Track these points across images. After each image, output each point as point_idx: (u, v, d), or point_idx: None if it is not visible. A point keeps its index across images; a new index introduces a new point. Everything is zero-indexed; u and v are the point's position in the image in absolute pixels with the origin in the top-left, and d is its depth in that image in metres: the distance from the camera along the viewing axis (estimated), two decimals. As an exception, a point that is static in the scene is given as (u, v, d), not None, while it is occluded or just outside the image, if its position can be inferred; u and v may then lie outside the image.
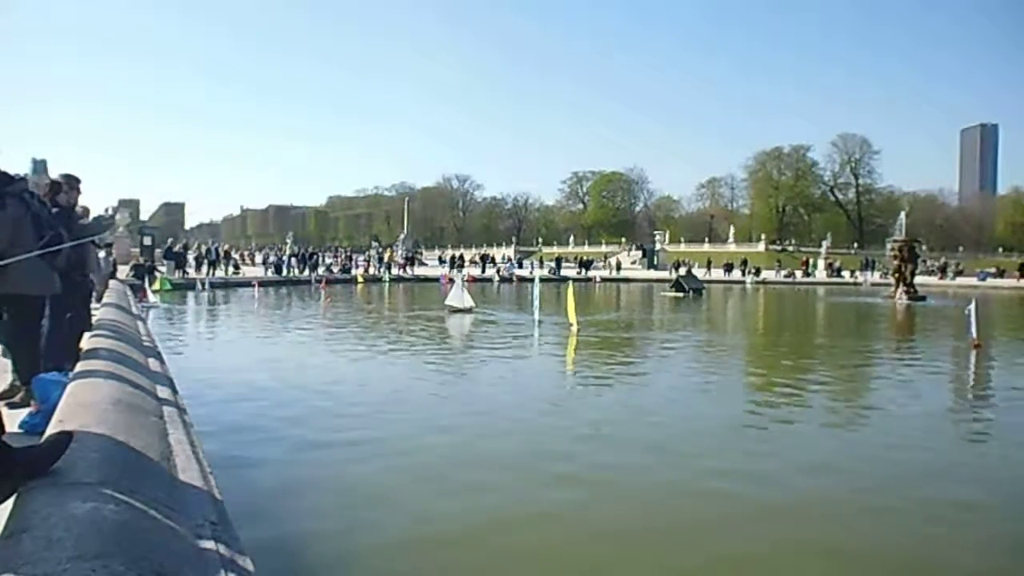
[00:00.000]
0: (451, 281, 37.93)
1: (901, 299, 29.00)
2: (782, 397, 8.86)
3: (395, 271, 43.51)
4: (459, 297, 19.64)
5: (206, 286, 26.61)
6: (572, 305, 15.43)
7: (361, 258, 48.11)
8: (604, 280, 45.18)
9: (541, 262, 63.79)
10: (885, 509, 4.75)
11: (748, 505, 4.81)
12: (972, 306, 13.48)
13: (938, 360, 12.86)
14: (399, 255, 49.32)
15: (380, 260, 45.05)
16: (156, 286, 24.05)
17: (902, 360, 12.69)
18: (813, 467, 5.74)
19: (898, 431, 6.97)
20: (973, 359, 12.20)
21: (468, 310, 19.15)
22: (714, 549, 4.20)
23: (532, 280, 20.41)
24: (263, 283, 29.78)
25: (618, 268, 53.96)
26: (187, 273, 31.64)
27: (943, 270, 53.01)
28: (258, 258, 43.84)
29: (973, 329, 13.10)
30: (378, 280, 37.65)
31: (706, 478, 5.37)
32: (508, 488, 5.10)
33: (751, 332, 18.46)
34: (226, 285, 29.74)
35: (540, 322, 15.69)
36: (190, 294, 25.74)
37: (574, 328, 14.74)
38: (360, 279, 36.37)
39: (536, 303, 16.39)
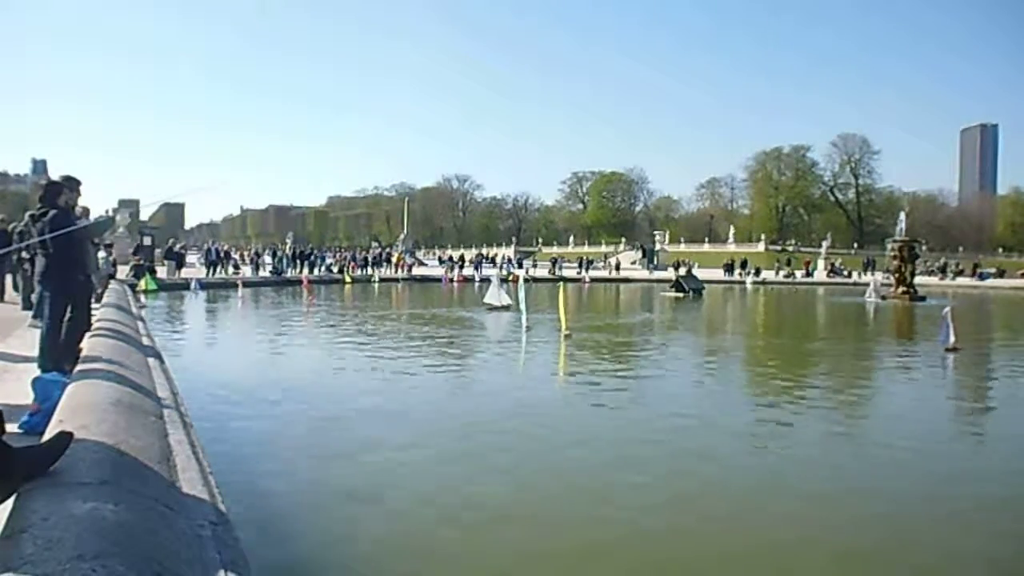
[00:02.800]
0: (452, 281, 38.36)
1: (871, 298, 29.30)
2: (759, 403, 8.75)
3: (403, 272, 43.49)
4: (496, 295, 20.11)
5: (196, 287, 26.32)
6: (563, 308, 14.57)
7: (357, 257, 47.84)
8: (595, 280, 44.04)
9: (535, 262, 63.64)
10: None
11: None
12: (948, 310, 13.10)
13: (908, 366, 12.16)
14: (406, 256, 49.25)
15: (364, 260, 44.87)
16: (142, 286, 23.55)
17: (870, 365, 12.24)
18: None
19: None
20: (942, 365, 11.74)
21: (506, 308, 19.39)
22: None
23: (521, 281, 19.96)
24: (247, 283, 29.32)
25: (617, 268, 53.95)
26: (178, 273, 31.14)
27: (943, 270, 53.09)
28: (265, 258, 43.14)
29: (950, 333, 12.63)
30: (368, 281, 36.90)
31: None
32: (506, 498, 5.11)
33: (728, 336, 17.70)
34: (221, 285, 29.31)
35: (529, 328, 14.60)
36: (170, 295, 24.71)
37: (563, 332, 13.80)
38: (348, 279, 35.52)
39: (523, 306, 15.42)
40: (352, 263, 42.99)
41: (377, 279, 37.37)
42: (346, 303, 23.95)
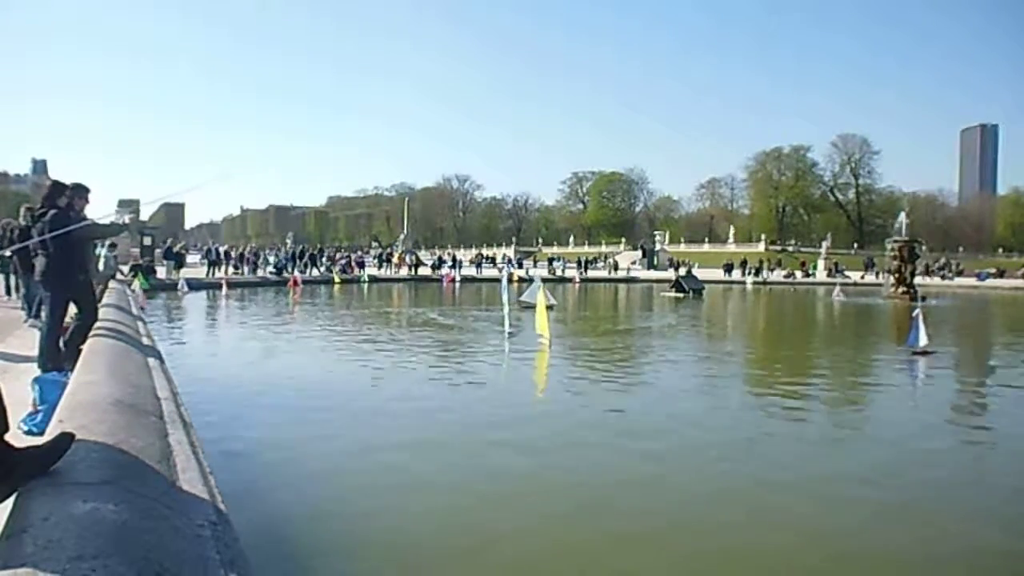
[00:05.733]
0: (452, 280, 38.27)
1: (840, 296, 30.09)
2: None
3: (406, 271, 43.46)
4: (534, 295, 20.00)
5: (184, 286, 26.14)
6: (543, 313, 13.05)
7: (355, 256, 47.61)
8: (587, 280, 43.38)
9: (535, 262, 63.53)
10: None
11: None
12: (918, 311, 12.48)
13: (868, 370, 11.72)
14: (406, 256, 49.13)
15: (360, 261, 44.74)
16: (134, 286, 23.50)
17: (827, 370, 11.53)
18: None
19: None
20: (909, 369, 11.10)
21: (550, 307, 19.04)
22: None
23: (504, 282, 18.22)
24: (234, 284, 29.04)
25: (615, 268, 53.78)
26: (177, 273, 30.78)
27: (943, 270, 53.20)
28: (269, 258, 42.86)
29: (921, 335, 11.92)
30: (357, 281, 36.50)
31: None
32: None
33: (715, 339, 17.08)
34: (214, 286, 28.79)
35: (512, 334, 13.56)
36: (160, 294, 24.27)
37: (545, 342, 12.35)
38: (337, 280, 35.06)
39: (506, 310, 14.23)
40: (350, 264, 42.85)
41: (366, 279, 36.80)
42: (327, 304, 23.42)
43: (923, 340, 11.98)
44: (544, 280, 20.69)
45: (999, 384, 10.39)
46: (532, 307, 18.79)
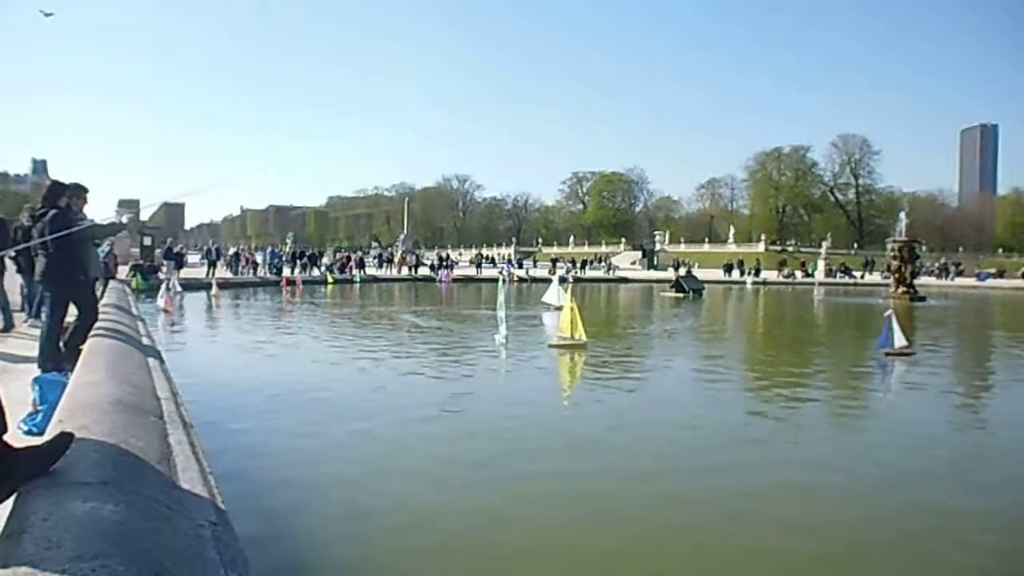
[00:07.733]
0: (443, 281, 38.03)
1: (820, 295, 30.98)
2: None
3: (407, 271, 43.30)
4: (555, 295, 20.08)
5: (176, 286, 25.95)
6: (573, 312, 12.18)
7: (354, 257, 47.43)
8: (580, 280, 42.60)
9: (535, 262, 63.39)
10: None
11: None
12: (890, 312, 12.08)
13: (846, 371, 11.50)
14: (407, 257, 49.01)
15: (360, 261, 44.62)
16: (133, 285, 23.46)
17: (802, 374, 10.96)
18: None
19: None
20: (882, 371, 10.85)
21: (558, 308, 18.68)
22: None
23: (500, 283, 16.97)
24: (225, 284, 28.76)
25: (610, 269, 53.52)
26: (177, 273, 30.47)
27: (943, 271, 53.21)
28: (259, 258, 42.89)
29: (894, 336, 11.56)
30: (350, 281, 35.98)
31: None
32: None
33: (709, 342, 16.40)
34: (207, 287, 27.99)
35: (506, 341, 12.46)
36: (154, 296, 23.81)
37: (581, 340, 11.95)
38: (331, 280, 34.72)
39: (500, 313, 13.01)
40: (348, 264, 42.72)
41: (359, 280, 36.40)
42: (305, 305, 23.04)
43: (899, 341, 11.62)
44: (541, 280, 20.64)
45: (977, 385, 10.24)
46: (554, 308, 18.99)
